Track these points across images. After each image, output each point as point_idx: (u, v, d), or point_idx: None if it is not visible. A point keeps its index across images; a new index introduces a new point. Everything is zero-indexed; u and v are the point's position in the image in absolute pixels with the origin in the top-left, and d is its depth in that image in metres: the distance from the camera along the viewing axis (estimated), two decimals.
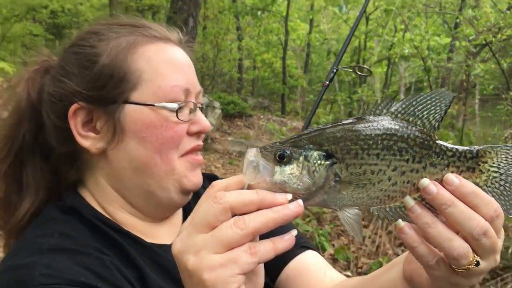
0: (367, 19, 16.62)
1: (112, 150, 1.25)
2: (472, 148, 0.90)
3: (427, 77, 8.82)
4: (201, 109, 1.35)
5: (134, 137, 1.23)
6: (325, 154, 0.84)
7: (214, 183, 0.86)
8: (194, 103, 1.29)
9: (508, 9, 8.10)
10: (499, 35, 7.80)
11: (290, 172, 0.83)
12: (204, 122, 1.30)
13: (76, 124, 1.25)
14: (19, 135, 1.29)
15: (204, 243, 0.80)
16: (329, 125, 0.86)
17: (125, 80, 1.23)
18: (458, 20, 10.06)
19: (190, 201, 1.41)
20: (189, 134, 1.27)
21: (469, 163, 0.90)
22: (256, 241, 0.83)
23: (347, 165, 0.85)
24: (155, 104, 1.22)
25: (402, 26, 13.28)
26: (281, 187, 0.83)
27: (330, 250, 5.66)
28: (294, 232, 0.85)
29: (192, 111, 1.28)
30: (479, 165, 0.90)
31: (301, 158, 0.84)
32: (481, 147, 0.91)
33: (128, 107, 1.23)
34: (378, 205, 0.89)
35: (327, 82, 1.55)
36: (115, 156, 1.26)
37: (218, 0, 20.37)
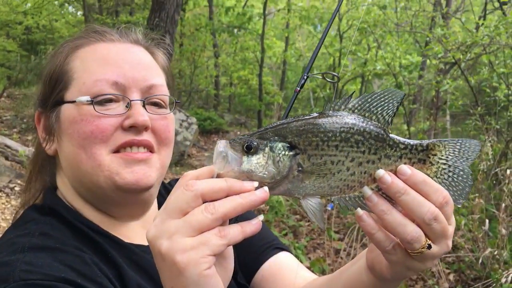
0: (341, 37, 16.99)
1: (59, 150, 1.32)
2: (422, 142, 0.99)
3: None
4: (154, 103, 1.33)
5: (65, 135, 1.27)
6: (288, 145, 0.92)
7: (186, 173, 0.92)
8: (123, 96, 1.27)
9: (477, 28, 8.41)
10: (467, 54, 8.08)
11: (256, 161, 0.90)
12: (137, 116, 1.24)
13: (39, 129, 1.35)
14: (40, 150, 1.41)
15: (176, 228, 0.85)
16: (293, 120, 0.93)
17: (58, 81, 1.30)
18: (428, 39, 10.37)
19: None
20: (125, 129, 1.25)
21: (420, 155, 0.98)
22: (226, 225, 0.89)
23: (309, 156, 0.92)
24: (75, 100, 1.24)
25: (375, 44, 13.61)
26: (248, 176, 0.90)
27: (306, 263, 5.70)
28: (260, 217, 0.91)
29: (128, 105, 1.26)
30: (430, 157, 0.99)
31: (267, 149, 0.91)
32: (431, 140, 0.99)
33: (62, 107, 1.28)
34: (338, 195, 0.96)
35: (298, 88, 1.63)
36: (60, 156, 1.32)
37: (194, 18, 20.52)
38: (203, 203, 0.87)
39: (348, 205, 0.96)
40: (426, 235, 0.94)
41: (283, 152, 0.91)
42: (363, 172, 0.95)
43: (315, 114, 0.94)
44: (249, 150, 0.90)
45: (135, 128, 1.25)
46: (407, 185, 0.92)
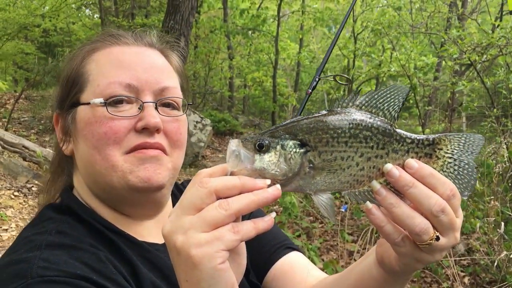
0: (355, 38, 16.95)
1: (75, 151, 1.35)
2: (429, 136, 1.02)
3: (413, 94, 9.01)
4: (167, 105, 1.35)
5: (80, 136, 1.30)
6: (299, 143, 0.94)
7: (200, 171, 0.94)
8: (135, 98, 1.28)
9: (493, 30, 8.33)
10: (483, 55, 8.01)
11: (268, 159, 0.92)
12: (148, 117, 1.26)
13: (58, 130, 1.39)
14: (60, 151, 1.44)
15: (191, 223, 0.87)
16: (303, 118, 0.96)
17: (75, 83, 1.33)
18: (443, 40, 10.31)
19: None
20: (137, 131, 1.26)
21: (427, 150, 1.01)
22: (239, 221, 0.91)
23: (319, 153, 0.95)
24: (90, 102, 1.27)
25: (390, 46, 13.56)
26: (260, 174, 0.92)
27: (320, 265, 5.69)
28: (273, 214, 0.94)
29: (141, 107, 1.28)
30: (436, 151, 1.01)
31: (278, 147, 0.93)
32: (437, 135, 1.02)
33: (78, 109, 1.31)
34: (348, 189, 0.99)
35: (310, 90, 1.67)
36: (76, 156, 1.36)
37: (209, 20, 20.63)
38: (217, 200, 0.89)
39: (358, 199, 0.98)
40: (434, 227, 0.95)
41: (294, 150, 0.93)
42: (371, 167, 0.97)
43: (324, 112, 0.96)
44: (261, 148, 0.92)
45: (147, 130, 1.27)
46: (414, 179, 0.94)
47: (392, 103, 0.99)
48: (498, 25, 7.93)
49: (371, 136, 0.96)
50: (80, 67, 1.34)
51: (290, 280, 1.52)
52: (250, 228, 0.89)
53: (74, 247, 1.16)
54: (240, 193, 0.90)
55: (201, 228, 0.86)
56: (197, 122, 13.30)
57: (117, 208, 1.36)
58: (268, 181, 0.91)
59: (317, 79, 1.70)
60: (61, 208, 1.33)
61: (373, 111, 0.98)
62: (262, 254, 1.58)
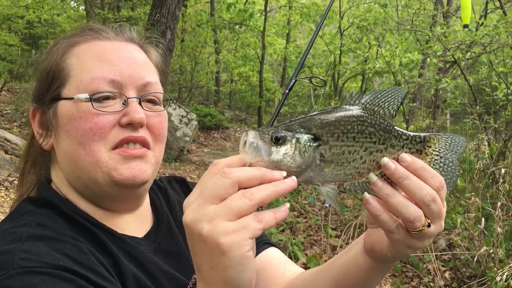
0: (342, 35, 17.05)
1: (56, 146, 1.35)
2: (420, 134, 1.12)
3: None
4: (149, 100, 1.37)
5: (63, 131, 1.30)
6: (313, 137, 1.00)
7: (217, 161, 0.97)
8: (120, 93, 1.30)
9: (477, 28, 8.47)
10: (467, 53, 8.15)
11: (284, 152, 0.97)
12: (133, 113, 1.27)
13: (34, 124, 1.39)
14: (34, 145, 1.44)
15: (216, 212, 0.90)
16: (315, 113, 1.03)
17: (55, 78, 1.33)
18: (428, 37, 10.46)
19: (159, 195, 1.56)
20: (122, 126, 1.28)
21: (418, 146, 1.11)
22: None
23: (330, 147, 1.01)
24: (74, 97, 1.28)
25: (375, 42, 13.68)
26: (277, 165, 0.97)
27: (303, 259, 5.72)
28: (287, 205, 0.98)
29: (125, 102, 1.30)
30: (425, 148, 1.12)
31: (294, 140, 0.98)
32: (427, 134, 1.12)
33: (59, 104, 1.31)
34: (350, 181, 1.06)
35: (287, 91, 1.75)
36: (57, 151, 1.36)
37: (196, 14, 20.56)
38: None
39: (357, 189, 1.06)
40: (425, 216, 1.04)
41: (308, 144, 0.99)
42: (372, 160, 1.05)
43: (334, 108, 1.04)
44: (277, 141, 0.97)
45: (132, 125, 1.28)
46: (408, 171, 1.03)
47: (392, 103, 1.08)
48: (482, 23, 8.05)
49: (374, 132, 1.04)
50: (60, 61, 1.34)
51: (268, 275, 1.56)
52: (271, 217, 0.93)
53: (55, 239, 1.17)
54: (259, 184, 0.93)
55: (227, 216, 0.89)
56: (182, 116, 13.27)
57: (97, 203, 1.36)
58: (285, 173, 0.96)
59: (293, 81, 1.79)
60: (40, 201, 1.32)
61: (376, 109, 1.06)
62: None
